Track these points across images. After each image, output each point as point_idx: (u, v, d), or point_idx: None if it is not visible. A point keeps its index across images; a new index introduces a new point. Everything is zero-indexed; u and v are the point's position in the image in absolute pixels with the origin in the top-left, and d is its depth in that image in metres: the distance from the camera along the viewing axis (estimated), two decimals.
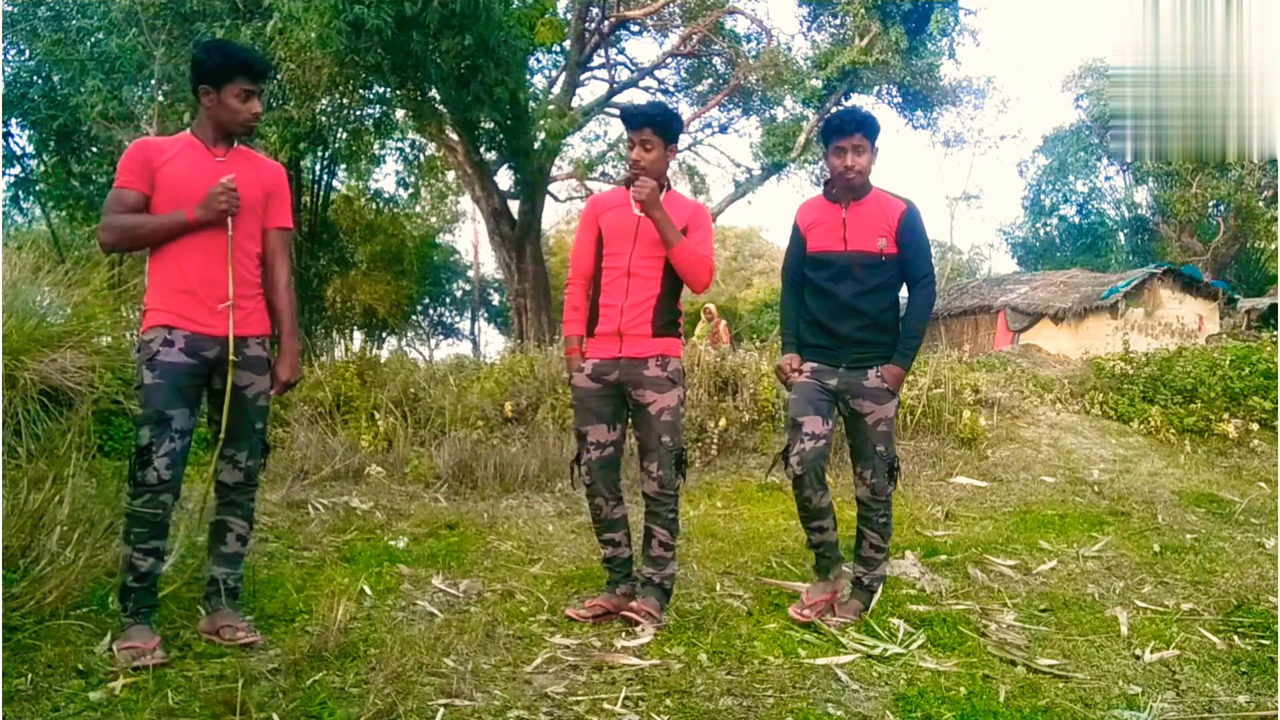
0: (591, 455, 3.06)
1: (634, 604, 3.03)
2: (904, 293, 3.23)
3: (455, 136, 13.53)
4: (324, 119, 11.24)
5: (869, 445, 3.13)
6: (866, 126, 3.06)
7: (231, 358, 2.61)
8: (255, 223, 2.72)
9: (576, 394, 3.10)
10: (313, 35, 8.74)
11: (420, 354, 23.59)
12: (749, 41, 15.13)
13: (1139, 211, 24.46)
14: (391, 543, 4.01)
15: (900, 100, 15.51)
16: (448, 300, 25.83)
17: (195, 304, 2.59)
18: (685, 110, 16.63)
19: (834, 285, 3.10)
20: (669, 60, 15.81)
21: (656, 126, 3.02)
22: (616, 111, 16.35)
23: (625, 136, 3.14)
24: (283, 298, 2.79)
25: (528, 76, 12.89)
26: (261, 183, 2.74)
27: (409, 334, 25.10)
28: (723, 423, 6.13)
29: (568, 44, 13.90)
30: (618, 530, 3.15)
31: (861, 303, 3.09)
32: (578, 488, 3.14)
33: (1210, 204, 21.73)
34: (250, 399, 2.69)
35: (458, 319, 26.91)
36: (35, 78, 10.72)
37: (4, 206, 11.48)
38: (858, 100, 14.54)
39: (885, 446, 3.13)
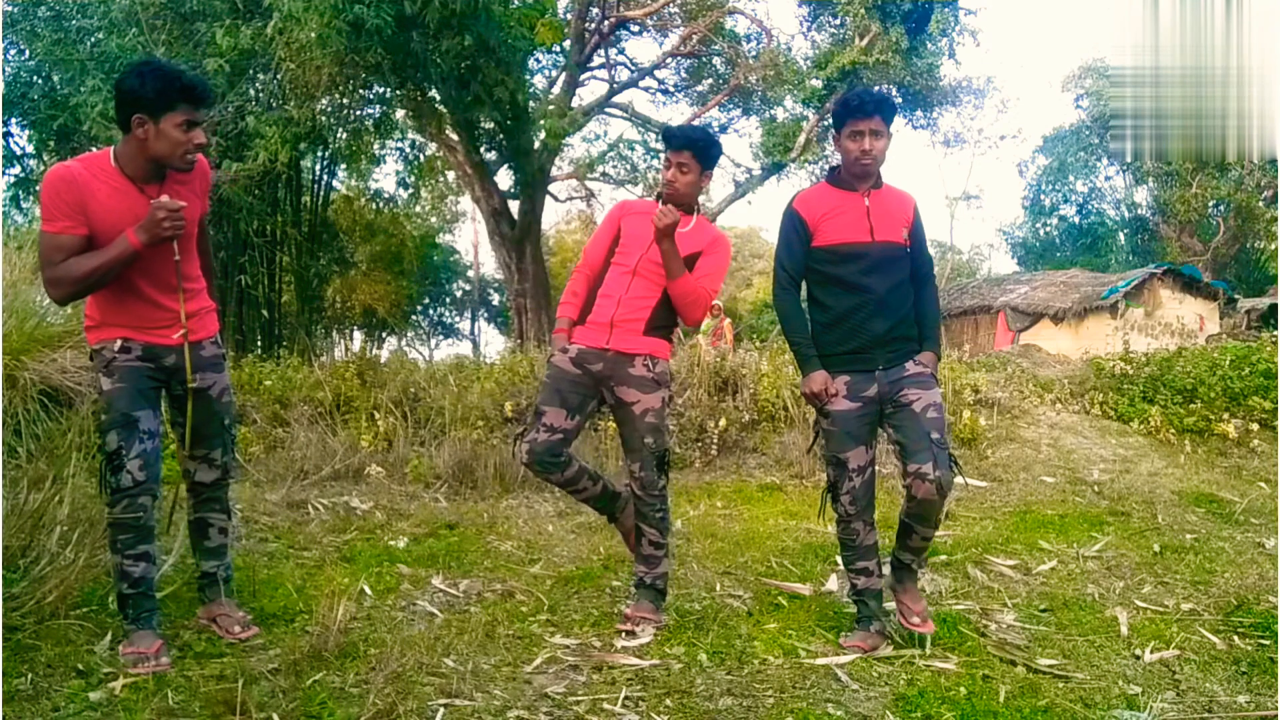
0: (539, 436, 2.99)
1: (627, 612, 3.02)
2: None
3: (455, 136, 13.55)
4: (324, 119, 11.24)
5: (925, 435, 2.73)
6: (885, 108, 2.83)
7: (190, 384, 2.59)
8: (191, 231, 2.61)
9: (551, 372, 3.07)
10: (313, 35, 8.75)
11: (420, 354, 23.62)
12: (749, 41, 15.14)
13: (1139, 211, 24.50)
14: (391, 543, 4.01)
15: (900, 100, 15.50)
16: (448, 300, 25.87)
17: (147, 320, 2.53)
18: (685, 110, 16.65)
19: (866, 279, 2.84)
20: (669, 60, 15.81)
21: (697, 151, 3.00)
22: (617, 111, 16.38)
23: (663, 154, 3.11)
24: (210, 273, 2.76)
25: (528, 76, 12.91)
26: (196, 200, 2.60)
27: (409, 334, 25.15)
28: (723, 423, 6.13)
29: (568, 44, 13.91)
30: (579, 481, 3.10)
31: (894, 298, 2.87)
32: (520, 459, 3.10)
33: (1210, 204, 21.76)
34: (215, 398, 2.69)
35: (458, 319, 26.96)
36: (35, 78, 10.71)
37: (4, 206, 11.48)
38: None
39: (941, 433, 2.76)
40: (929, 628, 2.86)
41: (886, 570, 3.11)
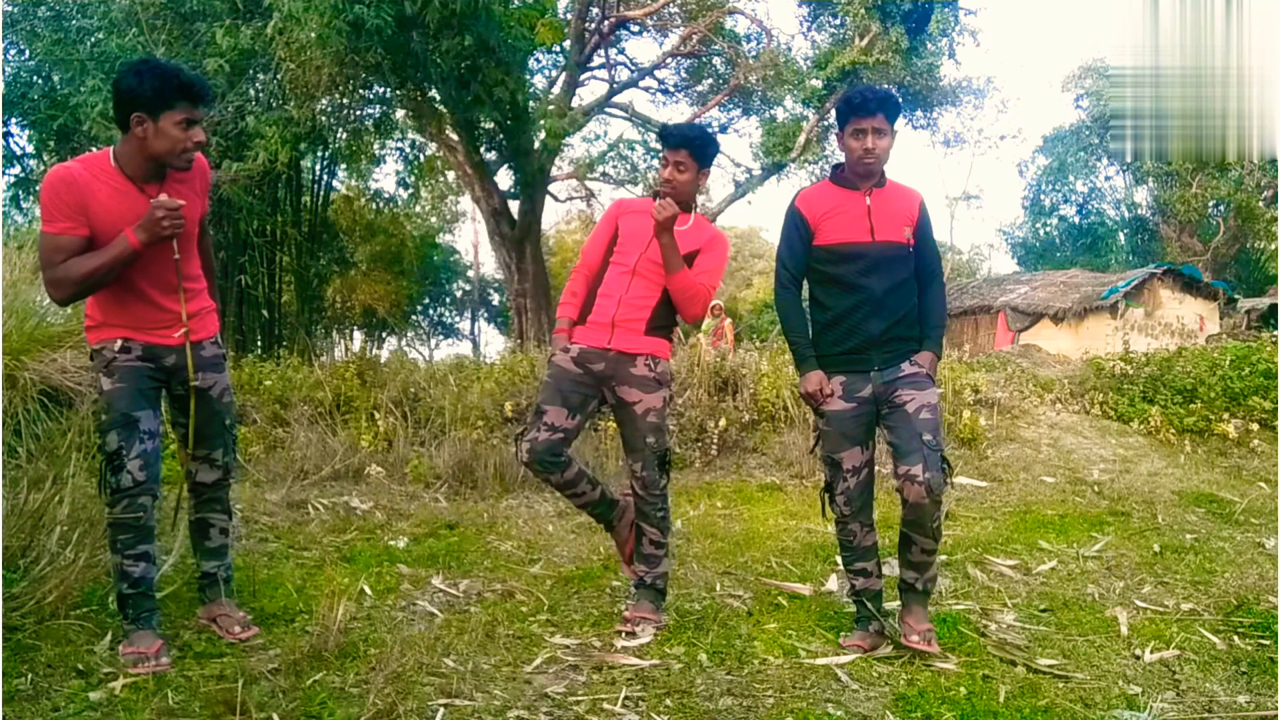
0: (539, 435, 2.97)
1: (627, 614, 3.02)
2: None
3: (455, 136, 13.54)
4: (324, 119, 11.25)
5: (917, 436, 2.69)
6: (888, 106, 2.81)
7: (192, 383, 2.60)
8: (192, 231, 2.61)
9: (552, 371, 3.06)
10: (313, 35, 8.76)
11: (420, 354, 23.63)
12: (749, 41, 15.14)
13: (1139, 211, 24.52)
14: (391, 543, 4.01)
15: (900, 100, 15.52)
16: (448, 300, 25.87)
17: (147, 320, 2.54)
18: (685, 110, 16.64)
19: (864, 279, 2.81)
20: (669, 60, 15.81)
21: (694, 149, 3.00)
22: (617, 112, 16.37)
23: (660, 153, 3.11)
24: (210, 273, 2.76)
25: (528, 76, 12.90)
26: (196, 199, 2.59)
27: (409, 334, 25.15)
28: (723, 423, 6.13)
29: (568, 44, 13.91)
30: (578, 484, 3.09)
31: (893, 298, 2.83)
32: (520, 458, 3.09)
33: (1210, 204, 21.78)
34: (215, 398, 2.69)
35: (458, 319, 26.97)
36: (35, 78, 10.72)
37: (4, 206, 11.49)
38: None
39: (934, 435, 2.71)
40: (931, 649, 2.78)
41: (887, 571, 3.11)
